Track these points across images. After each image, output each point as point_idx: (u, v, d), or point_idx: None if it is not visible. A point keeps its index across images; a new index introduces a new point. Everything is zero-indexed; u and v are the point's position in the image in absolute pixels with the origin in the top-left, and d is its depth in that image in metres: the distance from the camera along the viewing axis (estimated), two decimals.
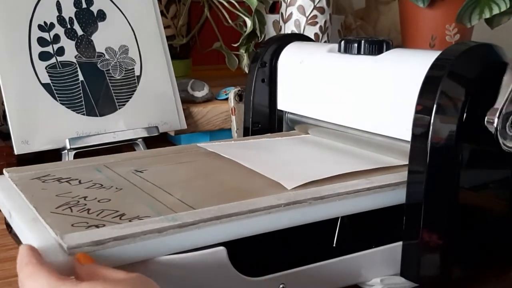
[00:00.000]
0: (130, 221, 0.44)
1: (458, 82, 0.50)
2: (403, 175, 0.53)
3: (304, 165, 0.60)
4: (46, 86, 0.72)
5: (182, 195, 0.50)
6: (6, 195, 0.51)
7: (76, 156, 0.72)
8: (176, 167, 0.60)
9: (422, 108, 0.50)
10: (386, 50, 0.61)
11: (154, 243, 0.42)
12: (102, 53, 0.78)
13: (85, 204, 0.48)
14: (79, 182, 0.54)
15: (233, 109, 0.84)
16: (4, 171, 0.57)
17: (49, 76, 0.73)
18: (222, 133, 0.89)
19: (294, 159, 0.63)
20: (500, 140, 0.50)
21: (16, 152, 0.69)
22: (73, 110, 0.74)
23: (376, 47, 0.61)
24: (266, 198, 0.49)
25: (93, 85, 0.76)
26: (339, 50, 0.65)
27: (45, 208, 0.47)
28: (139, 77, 0.80)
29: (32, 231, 0.43)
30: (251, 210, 0.46)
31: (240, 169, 0.57)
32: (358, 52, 0.63)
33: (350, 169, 0.55)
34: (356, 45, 0.63)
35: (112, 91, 0.77)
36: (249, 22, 0.94)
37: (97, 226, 0.43)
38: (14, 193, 0.52)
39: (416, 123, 0.50)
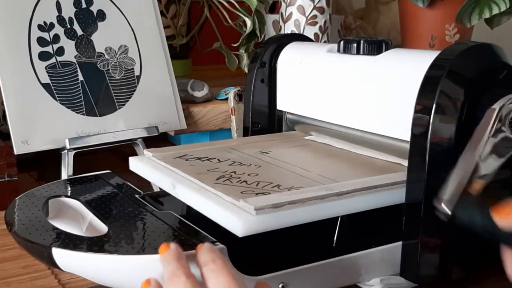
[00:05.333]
0: (289, 190, 0.50)
1: (457, 82, 0.50)
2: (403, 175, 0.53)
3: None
4: (46, 86, 0.72)
5: (319, 171, 0.56)
6: (162, 171, 0.58)
7: (76, 156, 0.72)
8: (295, 149, 0.66)
9: (422, 108, 0.50)
10: (386, 50, 0.61)
11: (317, 208, 0.48)
12: (102, 53, 0.78)
13: (239, 177, 0.54)
14: (218, 160, 0.60)
15: (233, 109, 0.84)
16: (144, 151, 0.64)
17: (49, 76, 0.73)
18: (222, 133, 0.89)
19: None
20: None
21: (16, 152, 0.69)
22: (73, 110, 0.74)
23: (375, 47, 0.61)
24: (399, 174, 0.53)
25: (93, 85, 0.76)
26: (339, 50, 0.65)
27: (206, 180, 0.52)
28: (139, 77, 0.80)
29: (207, 198, 0.49)
30: (393, 183, 0.52)
31: (354, 153, 0.64)
32: (358, 52, 0.63)
33: None
34: (355, 45, 0.63)
35: (112, 91, 0.77)
36: (249, 22, 0.94)
37: (264, 194, 0.49)
38: (165, 170, 0.58)
39: (415, 123, 0.51)
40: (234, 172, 0.56)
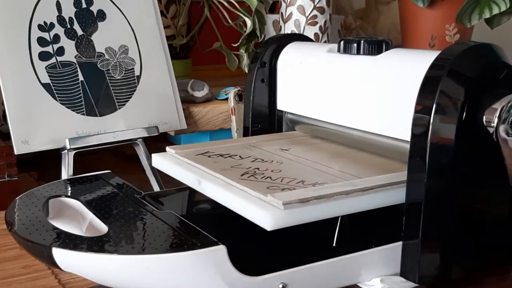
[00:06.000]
0: (313, 185, 0.51)
1: (457, 82, 0.50)
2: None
3: None
4: (46, 86, 0.72)
5: (340, 167, 0.58)
6: (186, 168, 0.58)
7: (76, 156, 0.72)
8: (313, 147, 0.67)
9: (422, 108, 0.50)
10: (386, 50, 0.61)
11: (342, 203, 0.50)
12: (102, 53, 0.78)
13: (263, 174, 0.55)
14: (240, 157, 0.61)
15: (233, 109, 0.84)
16: (167, 148, 0.64)
17: (49, 76, 0.73)
18: (222, 133, 0.89)
19: None
20: (500, 140, 0.50)
21: (16, 152, 0.69)
22: (73, 110, 0.74)
23: (375, 47, 0.61)
24: None
25: (93, 85, 0.76)
26: (339, 50, 0.65)
27: (231, 176, 0.53)
28: (139, 77, 0.80)
29: (234, 193, 0.50)
30: None
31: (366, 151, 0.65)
32: (358, 52, 0.63)
33: None
34: (355, 45, 0.63)
35: (112, 91, 0.77)
36: (249, 22, 0.94)
37: (289, 189, 0.50)
38: (189, 166, 0.59)
39: (415, 123, 0.51)
40: (258, 169, 0.57)
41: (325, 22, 0.94)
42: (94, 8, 0.79)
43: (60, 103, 0.73)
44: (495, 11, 0.81)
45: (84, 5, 0.78)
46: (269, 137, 0.72)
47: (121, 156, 0.97)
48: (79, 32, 0.77)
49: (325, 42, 0.95)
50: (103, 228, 0.51)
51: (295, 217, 0.47)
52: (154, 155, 0.64)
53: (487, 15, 0.81)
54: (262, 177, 0.54)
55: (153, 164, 0.64)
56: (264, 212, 0.46)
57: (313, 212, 0.48)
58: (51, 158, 0.75)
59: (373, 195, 0.51)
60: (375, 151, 0.63)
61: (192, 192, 0.68)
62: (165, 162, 0.62)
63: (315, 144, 0.69)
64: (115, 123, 0.76)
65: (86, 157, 0.81)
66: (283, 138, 0.71)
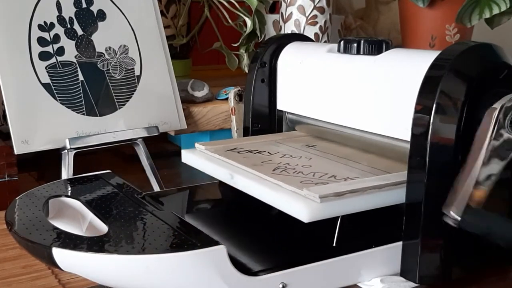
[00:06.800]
0: (345, 180, 0.52)
1: (457, 82, 0.50)
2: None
3: None
4: (46, 86, 0.72)
5: (369, 163, 0.59)
6: (217, 163, 0.60)
7: (76, 156, 0.72)
8: (335, 144, 0.68)
9: (422, 108, 0.50)
10: (386, 50, 0.61)
11: (375, 196, 0.51)
12: (102, 53, 0.78)
13: (294, 169, 0.56)
14: (269, 153, 0.63)
15: (233, 109, 0.84)
16: (196, 144, 0.66)
17: (49, 76, 0.73)
18: (222, 133, 0.89)
19: None
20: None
21: (16, 152, 0.69)
22: (73, 110, 0.74)
23: (375, 47, 0.61)
24: None
25: (93, 85, 0.76)
26: (339, 50, 0.65)
27: (263, 171, 0.55)
28: (139, 77, 0.80)
29: (269, 187, 0.52)
30: None
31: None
32: (358, 52, 0.63)
33: None
34: (355, 45, 0.63)
35: (112, 91, 0.77)
36: (249, 22, 0.94)
37: (322, 183, 0.51)
38: (220, 161, 0.60)
39: (415, 123, 0.51)
40: (288, 164, 0.58)
41: (325, 22, 0.94)
42: (94, 8, 0.79)
43: (60, 103, 0.73)
44: (495, 11, 0.81)
45: (84, 5, 0.78)
46: (293, 134, 0.73)
47: (121, 156, 0.97)
48: (79, 32, 0.77)
49: (325, 42, 0.95)
50: (103, 228, 0.51)
51: (330, 210, 0.49)
52: (183, 151, 0.65)
53: (487, 15, 0.81)
54: (293, 172, 0.55)
55: (183, 160, 0.65)
56: (301, 205, 0.48)
57: (347, 205, 0.50)
58: (51, 158, 0.75)
59: (404, 189, 0.52)
60: (375, 151, 0.63)
61: (192, 192, 0.69)
62: (195, 157, 0.63)
63: (335, 142, 0.69)
64: (115, 123, 0.76)
65: (86, 157, 0.81)
66: (305, 135, 0.72)
